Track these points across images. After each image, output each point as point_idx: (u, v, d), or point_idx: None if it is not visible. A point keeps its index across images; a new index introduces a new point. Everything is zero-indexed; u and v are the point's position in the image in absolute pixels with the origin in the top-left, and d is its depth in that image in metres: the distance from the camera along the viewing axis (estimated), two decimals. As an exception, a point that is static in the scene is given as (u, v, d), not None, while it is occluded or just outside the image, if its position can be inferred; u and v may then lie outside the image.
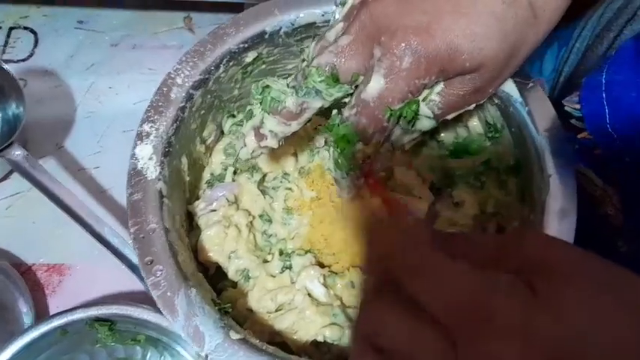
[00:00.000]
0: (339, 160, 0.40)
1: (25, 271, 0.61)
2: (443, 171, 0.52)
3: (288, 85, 0.41)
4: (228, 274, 0.50)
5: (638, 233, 0.44)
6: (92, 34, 0.75)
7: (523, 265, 0.24)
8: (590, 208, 0.46)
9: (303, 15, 0.50)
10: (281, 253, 0.51)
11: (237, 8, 0.66)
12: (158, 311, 0.41)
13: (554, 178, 0.42)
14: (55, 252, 0.62)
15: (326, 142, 0.53)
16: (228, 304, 0.44)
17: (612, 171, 0.44)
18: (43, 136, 0.67)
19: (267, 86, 0.42)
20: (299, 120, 0.41)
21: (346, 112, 0.38)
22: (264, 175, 0.54)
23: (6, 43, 0.73)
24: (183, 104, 0.47)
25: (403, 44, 0.34)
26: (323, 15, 0.50)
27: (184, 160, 0.49)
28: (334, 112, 0.41)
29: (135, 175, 0.44)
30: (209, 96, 0.50)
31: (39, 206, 0.60)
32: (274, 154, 0.54)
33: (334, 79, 0.38)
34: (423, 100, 0.39)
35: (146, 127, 0.45)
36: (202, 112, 0.50)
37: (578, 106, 0.44)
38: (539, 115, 0.44)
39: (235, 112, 0.56)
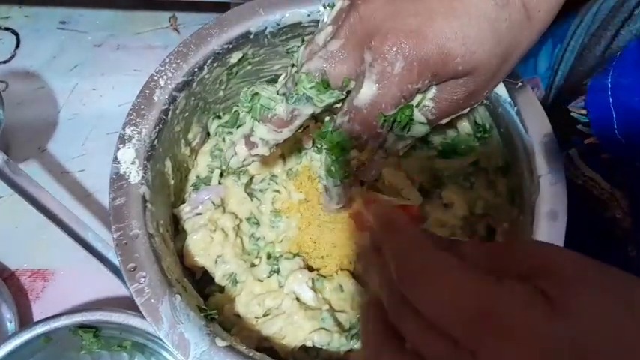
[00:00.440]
0: (333, 168, 0.39)
1: (9, 277, 0.60)
2: (432, 172, 0.51)
3: (277, 92, 0.40)
4: (215, 279, 0.49)
5: None
6: (75, 35, 0.73)
7: (528, 271, 0.23)
8: (597, 211, 0.45)
9: (289, 15, 0.49)
10: (269, 256, 0.50)
11: (224, 8, 0.65)
12: (144, 317, 0.40)
13: (544, 179, 0.41)
14: (38, 257, 0.61)
15: (314, 143, 0.53)
16: (214, 311, 0.43)
17: (620, 175, 0.44)
18: (26, 140, 0.66)
19: (257, 93, 0.41)
20: (290, 127, 0.40)
21: (339, 119, 0.37)
22: (252, 178, 0.53)
23: (-13, 44, 0.72)
24: (166, 106, 0.46)
25: (395, 48, 0.33)
26: (309, 15, 0.49)
27: (168, 164, 0.48)
28: (327, 119, 0.40)
29: (117, 180, 0.43)
30: (193, 98, 0.49)
31: (22, 211, 0.58)
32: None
33: (325, 84, 0.37)
34: (417, 106, 0.38)
35: (128, 131, 0.44)
36: (186, 114, 0.49)
37: (584, 112, 0.44)
38: (528, 115, 0.44)
39: (221, 114, 0.55)
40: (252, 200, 0.52)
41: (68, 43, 0.73)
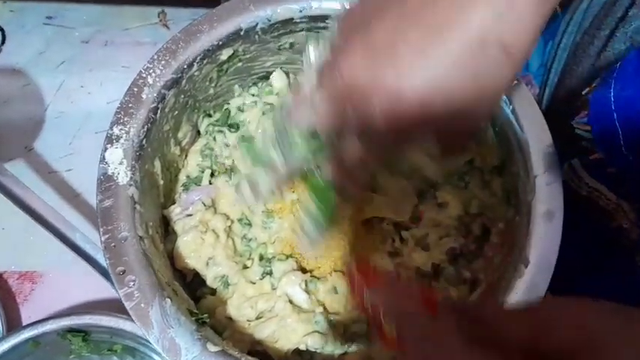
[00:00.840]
0: (316, 216, 0.39)
1: (-5, 280, 0.59)
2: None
3: (271, 141, 0.39)
4: (207, 281, 0.48)
5: None
6: (62, 30, 0.72)
7: (562, 347, 0.21)
8: (602, 221, 0.45)
9: (280, 10, 0.48)
10: (261, 258, 0.49)
11: (214, 3, 0.64)
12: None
13: (540, 178, 0.41)
14: (26, 259, 0.60)
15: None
16: (206, 315, 0.42)
17: (627, 187, 0.43)
18: (12, 138, 0.65)
19: (252, 147, 0.42)
20: (286, 170, 0.39)
21: (324, 169, 0.37)
22: (243, 177, 0.52)
23: (-29, 41, 0.71)
24: (155, 105, 0.45)
25: (376, 109, 0.32)
26: (301, 11, 0.48)
27: (157, 164, 0.47)
28: (311, 166, 0.39)
29: (105, 181, 0.42)
30: (183, 96, 0.48)
31: (9, 211, 0.57)
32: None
33: (314, 135, 0.37)
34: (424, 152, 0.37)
35: (116, 130, 0.43)
36: (176, 112, 0.48)
37: (588, 128, 0.43)
38: (523, 113, 0.43)
39: (212, 112, 0.54)
40: (243, 200, 0.51)
41: (55, 39, 0.72)
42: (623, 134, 0.40)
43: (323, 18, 0.49)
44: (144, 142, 0.44)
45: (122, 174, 0.42)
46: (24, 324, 0.52)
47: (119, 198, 0.42)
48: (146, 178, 0.45)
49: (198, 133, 0.54)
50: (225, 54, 0.49)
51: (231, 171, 0.52)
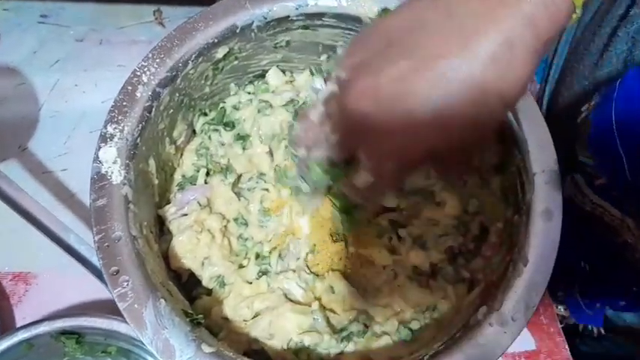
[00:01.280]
0: (341, 222, 0.48)
1: (-11, 281, 0.58)
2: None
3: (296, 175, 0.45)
4: (203, 282, 0.48)
5: None
6: (56, 29, 0.71)
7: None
8: (607, 236, 0.45)
9: (277, 8, 0.48)
10: (257, 257, 0.49)
11: (209, 1, 0.63)
12: (128, 322, 0.39)
13: (539, 177, 0.40)
14: (20, 260, 0.59)
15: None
16: (201, 315, 0.42)
17: (630, 205, 0.43)
18: (5, 138, 0.64)
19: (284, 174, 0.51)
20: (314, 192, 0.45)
21: (343, 188, 0.40)
22: (239, 177, 0.52)
23: (-36, 39, 0.70)
24: (149, 103, 0.44)
25: (382, 153, 0.34)
26: (297, 8, 0.48)
27: (152, 163, 0.46)
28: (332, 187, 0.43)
29: (98, 180, 0.41)
30: (178, 94, 0.47)
31: (3, 212, 0.56)
32: (249, 155, 0.52)
33: (331, 163, 0.40)
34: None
35: (110, 129, 0.43)
36: (171, 111, 0.48)
37: (589, 154, 0.43)
38: (522, 111, 0.42)
39: (207, 110, 0.54)
40: (239, 200, 0.51)
41: (49, 38, 0.71)
42: (627, 160, 0.40)
43: (319, 15, 0.48)
44: (138, 140, 0.44)
45: (116, 173, 0.42)
46: (18, 325, 0.51)
47: (113, 197, 0.41)
48: (140, 177, 0.44)
49: (194, 131, 0.53)
50: (220, 52, 0.48)
51: (226, 170, 0.52)
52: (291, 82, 0.55)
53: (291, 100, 0.53)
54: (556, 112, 0.53)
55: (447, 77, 0.30)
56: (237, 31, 0.47)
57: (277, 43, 0.51)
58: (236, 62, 0.51)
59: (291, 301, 0.46)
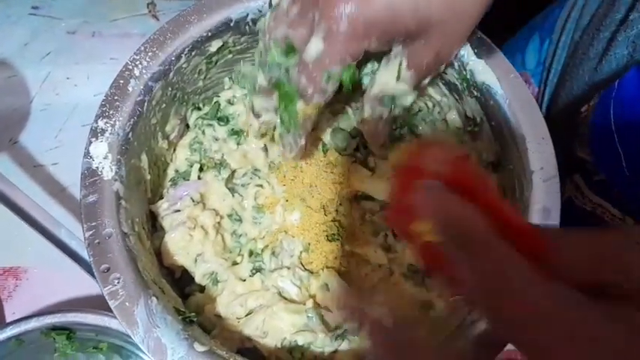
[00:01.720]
0: (283, 116, 0.43)
1: (-22, 276, 0.57)
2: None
3: (254, 64, 0.45)
4: (195, 279, 0.47)
5: None
6: (48, 21, 0.70)
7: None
8: None
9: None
10: (251, 254, 0.48)
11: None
12: (120, 319, 0.38)
13: (537, 175, 0.40)
14: (10, 254, 0.59)
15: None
16: (193, 314, 0.41)
17: (630, 204, 0.43)
18: (-4, 131, 0.63)
19: (241, 72, 0.50)
20: (269, 82, 0.43)
21: (291, 71, 0.40)
22: (233, 172, 0.51)
23: (-46, 31, 0.69)
24: (141, 98, 0.43)
25: (340, 9, 0.34)
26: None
27: (144, 158, 0.45)
28: (283, 70, 0.42)
29: (89, 176, 0.41)
30: (170, 88, 0.47)
31: (-8, 206, 0.56)
32: (243, 150, 0.52)
33: (291, 49, 0.39)
34: (397, 78, 0.41)
35: (101, 124, 0.42)
36: (163, 105, 0.47)
37: (589, 151, 0.43)
38: (520, 108, 0.42)
39: (201, 105, 0.53)
40: (233, 196, 0.50)
41: (41, 30, 0.70)
42: (625, 156, 0.40)
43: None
44: (130, 135, 0.43)
45: (107, 168, 0.41)
46: (7, 321, 0.51)
47: (103, 193, 0.40)
48: (132, 172, 0.43)
49: (187, 126, 0.53)
50: (214, 45, 0.47)
51: (220, 165, 0.51)
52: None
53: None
54: (555, 114, 0.53)
55: None
56: (232, 24, 0.47)
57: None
58: (230, 56, 0.50)
59: (285, 299, 0.46)
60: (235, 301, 0.45)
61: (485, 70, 0.43)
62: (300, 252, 0.48)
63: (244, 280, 0.47)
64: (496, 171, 0.45)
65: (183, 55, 0.45)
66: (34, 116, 0.65)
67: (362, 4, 0.34)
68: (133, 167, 0.43)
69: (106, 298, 0.38)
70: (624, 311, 0.20)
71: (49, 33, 0.69)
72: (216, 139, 0.52)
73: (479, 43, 0.44)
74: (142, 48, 0.44)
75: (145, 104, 0.44)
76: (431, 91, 0.49)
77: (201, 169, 0.51)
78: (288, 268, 0.47)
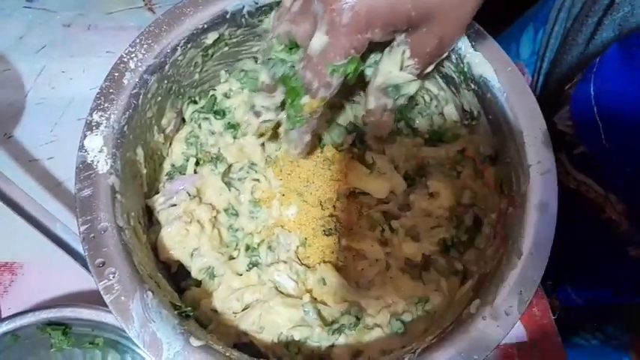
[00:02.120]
0: (289, 112, 0.42)
1: (-26, 271, 0.57)
2: (417, 160, 0.50)
3: (257, 62, 0.45)
4: (192, 273, 0.47)
5: None
6: (43, 14, 0.69)
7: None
8: (592, 214, 0.45)
9: (268, -7, 0.46)
10: (247, 248, 0.48)
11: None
12: (116, 314, 0.38)
13: (534, 168, 0.39)
14: (6, 249, 0.58)
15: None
16: (189, 308, 0.41)
17: (612, 179, 0.43)
18: (-10, 125, 0.63)
19: (243, 70, 0.49)
20: (280, 89, 0.43)
21: (297, 66, 0.40)
22: (230, 166, 0.51)
23: (-52, 24, 0.68)
24: (136, 90, 0.43)
25: (342, 1, 0.35)
26: (289, -7, 0.46)
27: (140, 152, 0.45)
28: (289, 64, 0.42)
29: (84, 169, 0.40)
30: (166, 81, 0.46)
31: (-13, 200, 0.56)
32: (240, 144, 0.51)
33: (293, 45, 0.40)
34: (401, 67, 0.41)
35: (95, 117, 0.42)
36: (159, 98, 0.46)
37: (570, 123, 0.43)
38: (517, 101, 0.42)
39: (197, 98, 0.52)
40: (230, 190, 0.50)
41: (35, 23, 0.69)
42: (603, 127, 0.40)
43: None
44: (125, 129, 0.42)
45: (102, 162, 0.41)
46: (3, 316, 0.50)
47: (99, 187, 0.40)
48: (127, 166, 0.43)
49: (183, 120, 0.52)
50: (210, 38, 0.47)
51: (217, 159, 0.51)
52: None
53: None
54: (544, 98, 0.53)
55: None
56: (228, 16, 0.46)
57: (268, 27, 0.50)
58: (226, 49, 0.49)
59: (282, 293, 0.46)
60: (232, 295, 0.45)
61: (483, 63, 0.43)
62: (297, 246, 0.48)
63: (241, 275, 0.47)
64: (494, 164, 0.45)
65: (178, 48, 0.45)
66: (29, 110, 0.65)
67: (361, 5, 0.34)
68: (128, 161, 0.43)
69: (101, 292, 0.37)
70: None
71: (44, 26, 0.69)
72: (213, 133, 0.52)
73: (476, 35, 0.44)
74: (137, 40, 0.44)
75: (141, 97, 0.43)
76: (428, 84, 0.49)
77: (197, 163, 0.51)
78: (285, 262, 0.47)
